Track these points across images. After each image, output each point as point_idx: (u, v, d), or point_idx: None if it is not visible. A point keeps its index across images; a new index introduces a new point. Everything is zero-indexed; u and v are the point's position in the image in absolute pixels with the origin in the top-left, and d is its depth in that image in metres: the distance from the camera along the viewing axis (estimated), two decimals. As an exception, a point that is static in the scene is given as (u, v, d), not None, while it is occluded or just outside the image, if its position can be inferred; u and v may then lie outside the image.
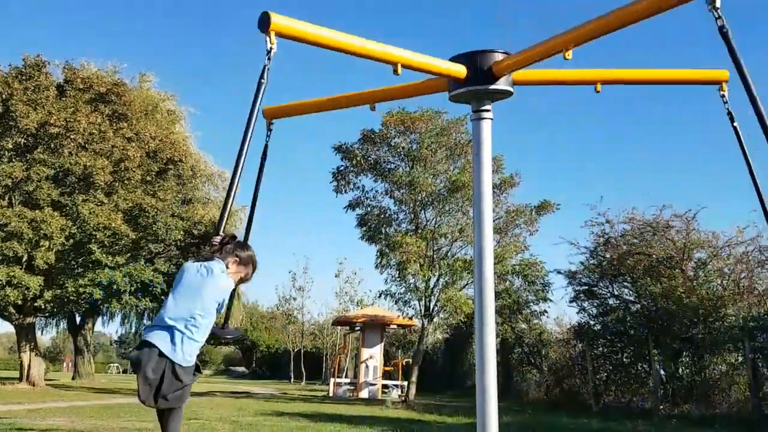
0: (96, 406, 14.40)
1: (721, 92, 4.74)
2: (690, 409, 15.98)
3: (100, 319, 34.81)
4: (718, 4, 3.48)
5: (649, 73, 5.11)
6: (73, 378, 31.33)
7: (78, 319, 30.18)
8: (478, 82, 4.68)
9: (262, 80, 4.05)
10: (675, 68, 4.98)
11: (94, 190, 20.01)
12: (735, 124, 4.57)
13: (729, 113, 4.65)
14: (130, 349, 4.42)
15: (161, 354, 3.86)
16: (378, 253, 20.90)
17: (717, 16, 3.56)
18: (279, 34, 4.14)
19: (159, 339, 3.91)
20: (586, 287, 20.14)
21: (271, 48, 4.00)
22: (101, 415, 11.83)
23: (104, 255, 19.80)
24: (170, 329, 3.96)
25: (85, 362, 31.13)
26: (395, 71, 4.32)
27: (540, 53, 4.35)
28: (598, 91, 4.90)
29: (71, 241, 19.80)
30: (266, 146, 5.07)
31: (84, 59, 23.99)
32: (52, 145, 20.05)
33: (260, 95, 4.04)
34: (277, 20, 4.08)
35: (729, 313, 15.86)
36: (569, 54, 4.14)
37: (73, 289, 19.85)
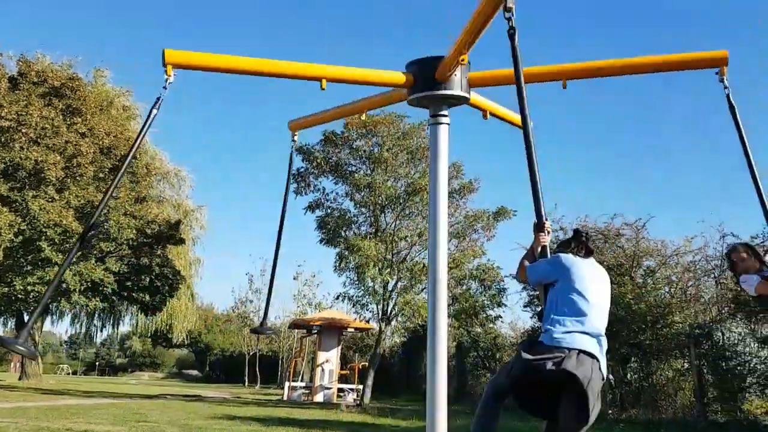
0: (42, 407, 14.00)
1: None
2: (637, 414, 16.36)
3: (49, 319, 33.94)
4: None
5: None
6: (19, 379, 30.39)
7: (26, 318, 29.30)
8: (425, 88, 4.83)
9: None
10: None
11: (45, 186, 19.50)
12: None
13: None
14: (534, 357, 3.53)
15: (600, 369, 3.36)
16: (337, 256, 20.86)
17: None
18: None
19: (599, 352, 3.40)
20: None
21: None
22: (47, 417, 11.51)
23: (54, 253, 19.30)
24: (599, 340, 3.46)
25: (32, 363, 30.20)
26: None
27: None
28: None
29: (20, 237, 19.25)
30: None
31: (39, 52, 23.41)
32: (2, 139, 19.50)
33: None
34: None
35: (676, 320, 16.30)
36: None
37: (22, 288, 19.30)
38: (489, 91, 5.16)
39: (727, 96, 4.49)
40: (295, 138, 5.93)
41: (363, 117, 5.32)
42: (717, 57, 4.61)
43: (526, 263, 3.95)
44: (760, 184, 4.39)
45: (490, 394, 3.96)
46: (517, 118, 5.38)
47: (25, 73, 20.94)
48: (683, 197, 68.99)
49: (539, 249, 3.95)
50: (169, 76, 4.20)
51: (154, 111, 4.21)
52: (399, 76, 4.82)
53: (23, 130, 19.19)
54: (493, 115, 5.46)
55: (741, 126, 4.48)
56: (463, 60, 4.44)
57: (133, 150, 4.47)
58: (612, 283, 14.90)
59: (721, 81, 4.52)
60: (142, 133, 4.34)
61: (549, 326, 3.61)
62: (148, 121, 4.25)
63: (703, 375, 15.59)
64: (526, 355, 3.56)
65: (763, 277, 4.25)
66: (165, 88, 4.20)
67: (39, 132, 19.49)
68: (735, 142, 4.30)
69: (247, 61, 4.50)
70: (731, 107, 4.49)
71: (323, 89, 4.54)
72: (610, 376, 17.96)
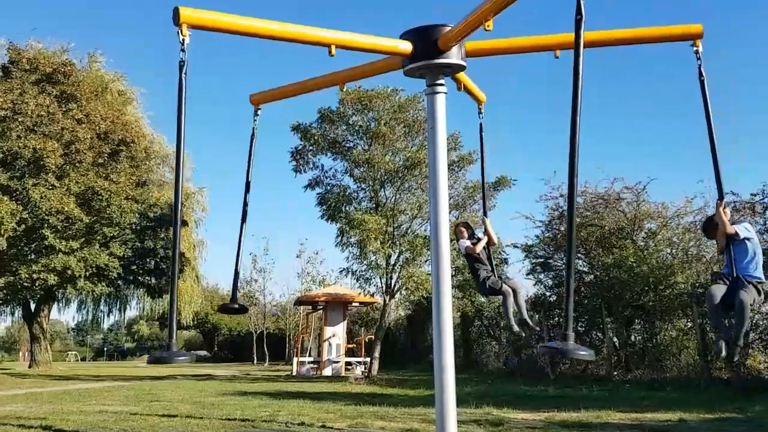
0: (55, 392, 14.20)
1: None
2: (642, 374, 16.58)
3: (55, 306, 34.14)
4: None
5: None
6: (30, 366, 30.68)
7: (33, 306, 29.50)
8: (425, 56, 4.80)
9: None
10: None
11: (44, 174, 19.50)
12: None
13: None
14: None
15: None
16: (338, 232, 20.92)
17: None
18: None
19: None
20: (542, 260, 20.58)
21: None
22: (60, 400, 11.69)
23: (57, 240, 19.38)
24: None
25: (41, 350, 30.47)
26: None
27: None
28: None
29: (23, 226, 19.32)
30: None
31: (32, 38, 23.23)
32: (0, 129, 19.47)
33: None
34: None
35: (678, 280, 16.42)
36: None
37: (27, 276, 19.41)
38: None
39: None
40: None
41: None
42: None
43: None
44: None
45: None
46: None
47: (16, 61, 20.81)
48: (684, 157, 68.87)
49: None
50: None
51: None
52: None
53: (20, 119, 19.15)
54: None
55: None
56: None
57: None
58: (613, 246, 15.03)
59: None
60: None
61: None
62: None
63: (706, 333, 15.75)
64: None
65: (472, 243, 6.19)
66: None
67: (35, 120, 19.44)
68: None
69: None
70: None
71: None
72: (614, 338, 18.16)
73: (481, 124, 6.08)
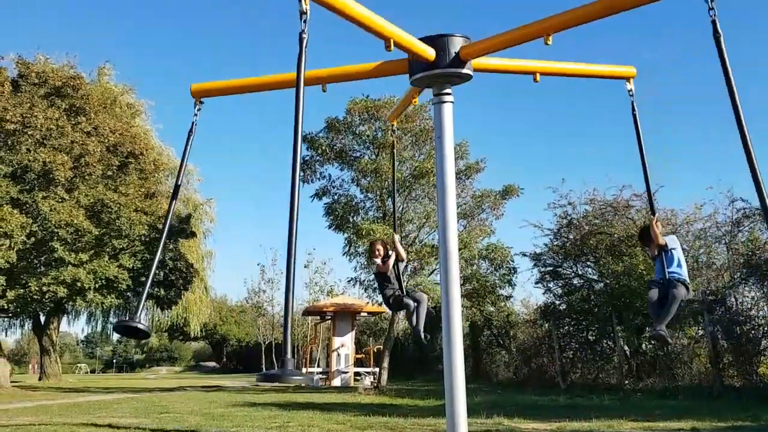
0: (65, 405, 14.22)
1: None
2: (654, 383, 16.46)
3: (65, 318, 34.26)
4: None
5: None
6: (39, 379, 30.77)
7: (42, 318, 29.60)
8: (447, 65, 4.78)
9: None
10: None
11: (54, 187, 19.59)
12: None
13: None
14: None
15: None
16: (346, 241, 20.93)
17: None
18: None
19: None
20: (551, 268, 20.51)
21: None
22: (70, 413, 11.70)
23: (67, 252, 19.45)
24: None
25: (51, 362, 30.57)
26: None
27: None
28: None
29: (33, 239, 19.40)
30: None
31: (39, 53, 23.43)
32: (9, 142, 19.58)
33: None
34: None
35: (689, 288, 16.30)
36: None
37: (37, 288, 19.47)
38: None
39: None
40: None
41: (324, 89, 5.08)
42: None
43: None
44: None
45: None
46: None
47: (25, 75, 20.97)
48: (692, 164, 68.62)
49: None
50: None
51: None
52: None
53: (29, 132, 19.26)
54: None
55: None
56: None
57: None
58: (623, 254, 15.02)
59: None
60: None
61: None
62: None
63: (718, 341, 15.63)
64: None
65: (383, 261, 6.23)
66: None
67: (45, 133, 19.56)
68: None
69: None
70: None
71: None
72: (625, 347, 18.04)
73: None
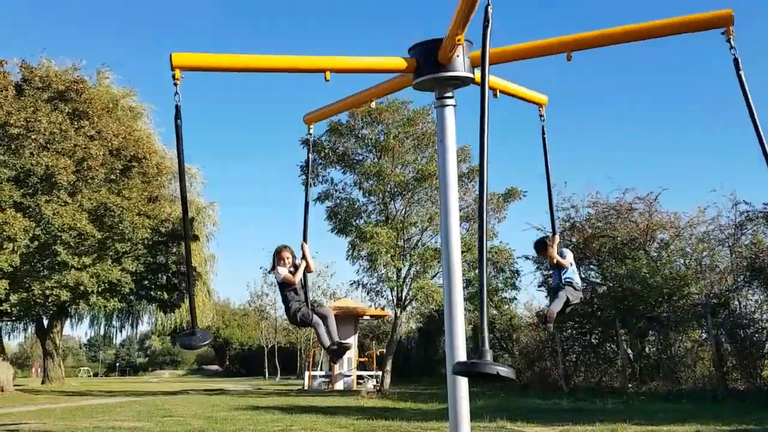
0: (68, 408, 14.23)
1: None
2: (657, 386, 16.40)
3: (68, 322, 34.28)
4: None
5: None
6: (42, 382, 30.79)
7: (46, 322, 29.65)
8: (426, 71, 4.81)
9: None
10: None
11: (57, 191, 19.65)
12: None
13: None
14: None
15: None
16: (350, 245, 20.93)
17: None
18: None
19: None
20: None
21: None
22: (73, 417, 11.71)
23: (70, 256, 19.48)
24: None
25: (54, 366, 30.60)
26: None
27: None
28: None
29: (36, 242, 19.44)
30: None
31: (43, 57, 23.51)
32: (13, 146, 19.64)
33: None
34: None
35: (692, 291, 16.28)
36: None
37: (40, 292, 19.50)
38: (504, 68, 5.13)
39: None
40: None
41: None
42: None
43: None
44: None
45: None
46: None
47: (28, 79, 21.04)
48: (695, 167, 68.48)
49: None
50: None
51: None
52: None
53: (33, 136, 19.32)
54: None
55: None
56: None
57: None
58: (626, 257, 14.98)
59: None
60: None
61: None
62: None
63: (722, 344, 15.59)
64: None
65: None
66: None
67: (48, 137, 19.62)
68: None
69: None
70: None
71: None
72: (629, 350, 18.00)
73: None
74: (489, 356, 3.14)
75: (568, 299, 6.22)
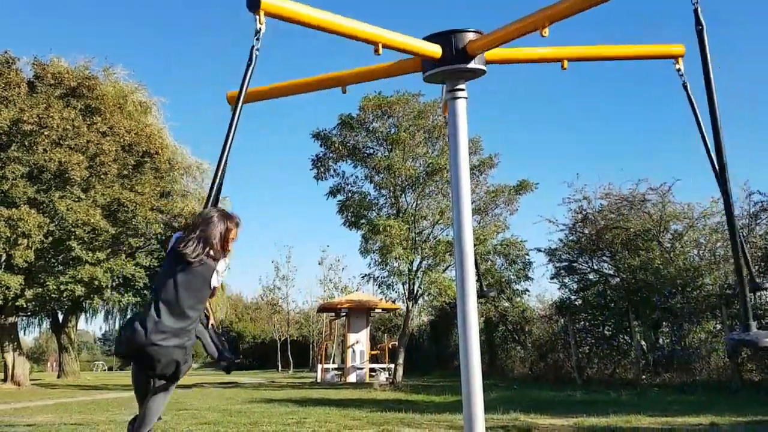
0: (84, 402, 14.38)
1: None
2: (671, 378, 16.34)
3: (83, 317, 34.62)
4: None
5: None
6: (58, 377, 31.13)
7: (60, 317, 29.95)
8: (453, 61, 4.71)
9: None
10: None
11: (70, 186, 19.80)
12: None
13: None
14: None
15: None
16: (362, 239, 20.96)
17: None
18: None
19: None
20: (566, 263, 20.42)
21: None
22: (89, 411, 11.83)
23: (84, 251, 19.65)
24: None
25: (70, 360, 30.91)
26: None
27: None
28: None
29: (50, 238, 19.62)
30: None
31: (53, 55, 23.63)
32: (26, 143, 19.79)
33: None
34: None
35: (706, 282, 16.18)
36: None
37: (55, 287, 19.70)
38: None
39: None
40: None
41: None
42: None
43: None
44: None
45: None
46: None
47: (41, 76, 21.18)
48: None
49: None
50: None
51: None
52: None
53: (45, 133, 19.46)
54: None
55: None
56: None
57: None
58: (639, 248, 14.93)
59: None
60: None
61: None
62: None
63: (736, 335, 15.47)
64: None
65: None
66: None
67: (61, 133, 19.76)
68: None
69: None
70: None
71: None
72: (642, 342, 17.91)
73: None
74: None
75: None
